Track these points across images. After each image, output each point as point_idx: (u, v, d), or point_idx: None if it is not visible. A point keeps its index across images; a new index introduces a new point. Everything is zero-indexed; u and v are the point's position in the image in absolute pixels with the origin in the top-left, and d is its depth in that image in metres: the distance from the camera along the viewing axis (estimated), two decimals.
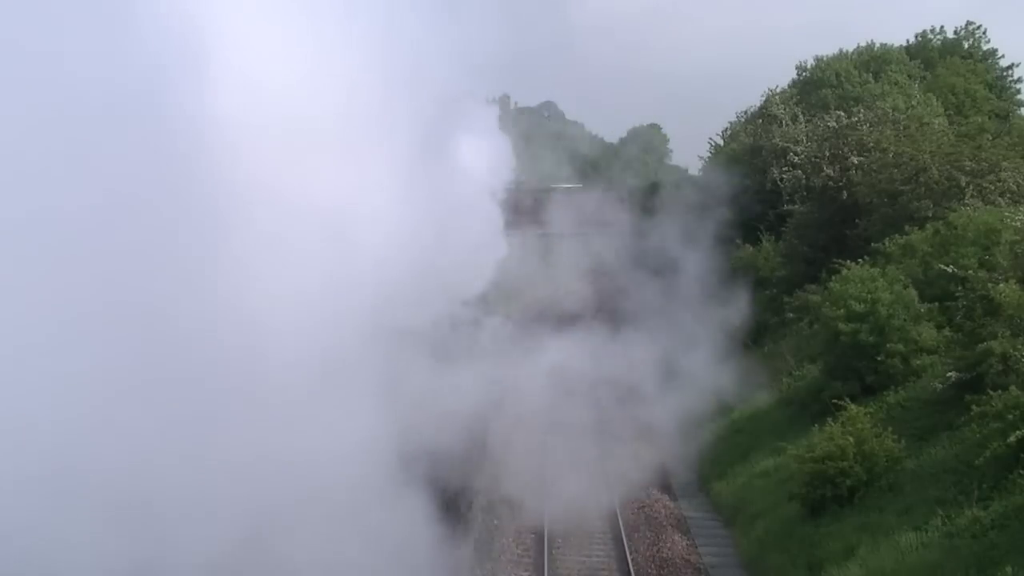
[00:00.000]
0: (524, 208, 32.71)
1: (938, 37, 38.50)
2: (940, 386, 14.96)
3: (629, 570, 15.19)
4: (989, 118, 29.73)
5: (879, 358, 16.84)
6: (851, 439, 14.37)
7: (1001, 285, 14.85)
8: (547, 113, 51.94)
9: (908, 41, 38.43)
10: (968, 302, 16.20)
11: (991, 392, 13.31)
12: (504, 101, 50.49)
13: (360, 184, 12.36)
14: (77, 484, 9.73)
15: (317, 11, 12.09)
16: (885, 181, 22.14)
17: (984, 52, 37.91)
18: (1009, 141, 22.79)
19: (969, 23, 38.27)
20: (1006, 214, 17.74)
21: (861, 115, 27.50)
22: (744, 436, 20.23)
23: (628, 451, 19.99)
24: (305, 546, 11.37)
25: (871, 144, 24.81)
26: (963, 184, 20.56)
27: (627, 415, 21.92)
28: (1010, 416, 12.40)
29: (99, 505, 9.86)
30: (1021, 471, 11.66)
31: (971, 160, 21.03)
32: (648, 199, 35.51)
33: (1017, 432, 11.87)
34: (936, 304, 17.22)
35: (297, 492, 11.20)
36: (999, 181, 20.56)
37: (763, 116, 34.03)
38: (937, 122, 27.56)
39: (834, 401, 15.94)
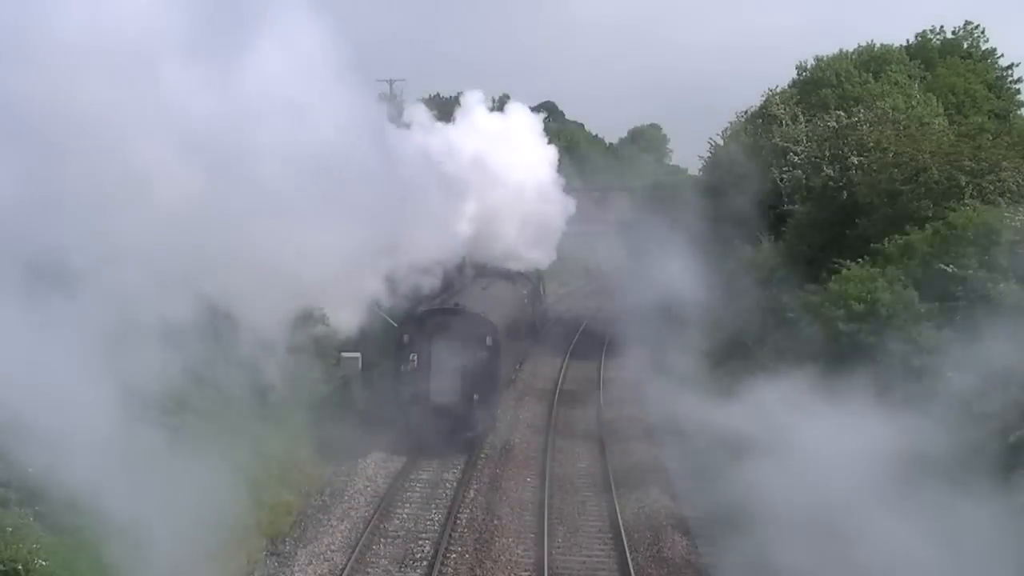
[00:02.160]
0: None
1: (938, 37, 38.49)
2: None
3: None
4: (989, 118, 29.70)
5: (879, 358, 16.81)
6: None
7: (1001, 285, 14.85)
8: (547, 113, 51.93)
9: (908, 41, 38.41)
10: (968, 302, 16.19)
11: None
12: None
13: None
14: None
15: None
16: (885, 181, 22.11)
17: (984, 52, 37.91)
18: (1009, 141, 22.72)
19: (968, 23, 38.30)
20: (1006, 214, 17.73)
21: (861, 115, 27.48)
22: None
23: None
24: None
25: (871, 144, 24.79)
26: (963, 184, 20.52)
27: None
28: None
29: None
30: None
31: (971, 160, 20.99)
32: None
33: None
34: (936, 304, 17.19)
35: None
36: (999, 181, 20.52)
37: (763, 116, 34.03)
38: (937, 122, 27.57)
39: None
